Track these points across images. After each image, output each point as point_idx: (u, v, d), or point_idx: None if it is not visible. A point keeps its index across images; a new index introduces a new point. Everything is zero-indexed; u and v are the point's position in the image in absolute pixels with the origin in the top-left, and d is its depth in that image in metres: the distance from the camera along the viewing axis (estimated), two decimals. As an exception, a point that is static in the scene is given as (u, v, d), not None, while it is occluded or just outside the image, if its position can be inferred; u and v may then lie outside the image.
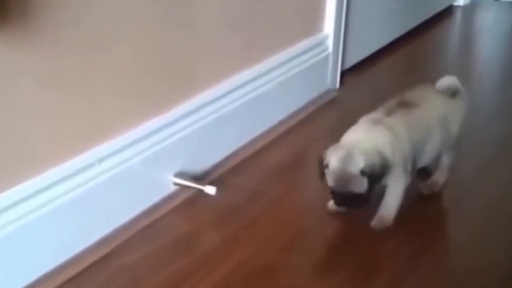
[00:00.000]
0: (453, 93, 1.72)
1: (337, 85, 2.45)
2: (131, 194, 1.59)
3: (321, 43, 2.33)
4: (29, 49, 1.28)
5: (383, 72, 2.67)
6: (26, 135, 1.33)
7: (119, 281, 1.43)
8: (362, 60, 2.67)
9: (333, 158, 1.54)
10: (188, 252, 1.52)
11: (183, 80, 1.72)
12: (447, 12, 3.42)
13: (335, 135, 1.61)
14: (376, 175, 1.52)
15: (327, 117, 2.21)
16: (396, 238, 1.59)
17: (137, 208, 1.62)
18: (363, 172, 1.51)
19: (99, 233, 1.52)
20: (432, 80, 1.77)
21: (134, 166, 1.58)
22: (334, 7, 2.34)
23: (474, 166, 1.93)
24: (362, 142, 1.55)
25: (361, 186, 1.52)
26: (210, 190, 1.68)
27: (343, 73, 2.51)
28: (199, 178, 1.77)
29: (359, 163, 1.51)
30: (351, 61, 2.59)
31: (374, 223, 1.61)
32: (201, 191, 1.69)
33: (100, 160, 1.50)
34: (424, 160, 1.68)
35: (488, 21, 3.46)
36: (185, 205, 1.70)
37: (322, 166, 1.56)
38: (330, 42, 2.37)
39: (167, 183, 1.69)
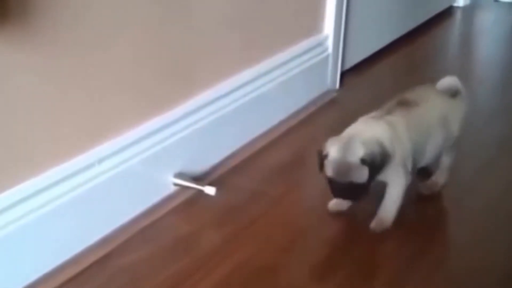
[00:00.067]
0: (453, 93, 1.72)
1: (337, 85, 2.45)
2: (131, 194, 1.59)
3: (321, 43, 2.34)
4: (29, 49, 1.28)
5: (383, 72, 2.67)
6: (26, 135, 1.33)
7: (119, 281, 1.43)
8: (362, 61, 2.67)
9: (333, 148, 1.53)
10: (188, 252, 1.52)
11: (183, 80, 1.73)
12: (447, 13, 3.42)
13: (335, 135, 1.60)
14: (376, 164, 1.51)
15: (327, 117, 2.21)
16: (396, 238, 1.59)
17: (137, 208, 1.62)
18: (363, 161, 1.50)
19: (99, 233, 1.52)
20: (432, 81, 1.77)
21: (134, 166, 1.58)
22: (334, 8, 2.34)
23: (474, 166, 1.93)
24: (362, 133, 1.55)
25: (362, 175, 1.51)
26: (210, 190, 1.68)
27: (343, 74, 2.51)
28: (199, 178, 1.77)
29: (359, 152, 1.50)
30: (351, 61, 2.60)
31: (373, 225, 1.60)
32: (201, 191, 1.69)
33: (100, 160, 1.50)
34: (424, 160, 1.68)
35: (488, 22, 3.46)
36: (185, 206, 1.70)
37: (321, 157, 1.55)
38: (330, 43, 2.37)
39: (167, 183, 1.69)
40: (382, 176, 1.57)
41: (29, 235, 1.35)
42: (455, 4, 3.53)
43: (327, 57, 2.37)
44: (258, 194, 1.76)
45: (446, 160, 1.76)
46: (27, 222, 1.34)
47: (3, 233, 1.30)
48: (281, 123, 2.13)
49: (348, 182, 1.52)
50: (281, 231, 1.63)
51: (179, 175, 1.71)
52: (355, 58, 2.62)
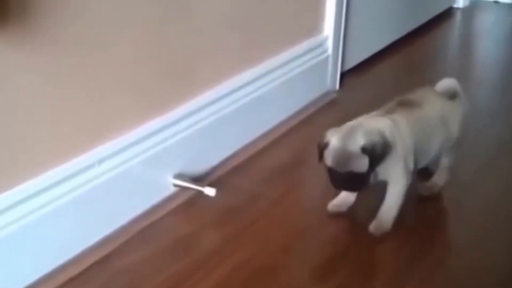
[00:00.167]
0: (452, 95, 1.72)
1: (337, 86, 2.46)
2: (131, 195, 1.59)
3: (321, 44, 2.34)
4: (29, 49, 1.28)
5: (383, 73, 2.67)
6: (26, 135, 1.33)
7: (120, 281, 1.43)
8: (362, 62, 2.68)
9: (334, 138, 1.53)
10: (188, 253, 1.52)
11: (183, 81, 1.73)
12: (447, 14, 3.42)
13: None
14: (377, 154, 1.51)
15: (327, 118, 2.21)
16: (396, 238, 1.59)
17: (137, 209, 1.62)
18: (364, 150, 1.50)
19: (99, 233, 1.52)
20: (432, 82, 1.77)
21: (134, 167, 1.58)
22: (334, 9, 2.34)
23: (474, 166, 1.93)
24: (364, 124, 1.55)
25: (362, 165, 1.51)
26: (210, 191, 1.68)
27: (343, 74, 2.51)
28: (199, 179, 1.77)
29: (360, 141, 1.50)
30: (351, 62, 2.60)
31: (373, 228, 1.60)
32: (201, 192, 1.69)
33: (100, 161, 1.50)
34: (425, 160, 1.67)
35: (487, 23, 3.46)
36: (185, 206, 1.70)
37: (321, 147, 1.55)
38: (330, 44, 2.38)
39: (167, 184, 1.69)
40: (383, 175, 1.57)
41: (29, 235, 1.35)
42: (455, 5, 3.54)
43: (327, 57, 2.37)
44: (258, 195, 1.77)
45: (445, 161, 1.76)
46: (28, 223, 1.34)
47: (4, 234, 1.30)
48: (281, 123, 2.13)
49: (348, 172, 1.52)
50: (281, 231, 1.63)
51: (179, 176, 1.71)
52: (355, 59, 2.62)
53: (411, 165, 1.60)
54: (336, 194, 1.68)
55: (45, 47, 1.32)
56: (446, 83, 1.74)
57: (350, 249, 1.57)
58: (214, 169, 1.85)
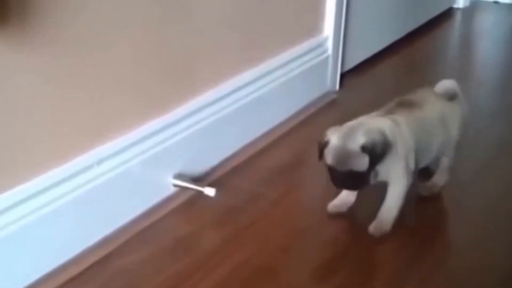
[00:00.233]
0: (451, 96, 1.72)
1: (337, 86, 2.46)
2: (131, 195, 1.59)
3: (321, 45, 2.34)
4: (29, 49, 1.28)
5: (383, 73, 2.67)
6: (26, 135, 1.33)
7: (120, 282, 1.43)
8: (362, 62, 2.68)
9: (334, 136, 1.53)
10: (188, 253, 1.52)
11: (183, 81, 1.73)
12: (447, 14, 3.42)
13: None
14: (377, 153, 1.51)
15: (327, 118, 2.21)
16: (396, 238, 1.59)
17: (137, 209, 1.62)
18: (364, 148, 1.50)
19: (99, 233, 1.52)
20: (432, 82, 1.77)
21: (134, 167, 1.58)
22: (333, 9, 2.34)
23: (474, 167, 1.93)
24: (365, 123, 1.55)
25: (362, 163, 1.51)
26: (210, 191, 1.68)
27: (343, 75, 2.51)
28: (199, 179, 1.77)
29: (360, 140, 1.50)
30: (351, 62, 2.60)
31: (372, 229, 1.60)
32: (201, 192, 1.69)
33: (100, 162, 1.50)
34: (425, 160, 1.67)
35: (487, 23, 3.46)
36: (185, 206, 1.70)
37: (321, 146, 1.55)
38: (330, 44, 2.38)
39: (167, 184, 1.69)
40: (383, 175, 1.57)
41: (29, 235, 1.35)
42: (455, 6, 3.54)
43: (327, 58, 2.37)
44: (258, 195, 1.77)
45: (445, 162, 1.76)
46: (28, 223, 1.34)
47: (4, 234, 1.30)
48: (281, 124, 2.13)
49: (348, 171, 1.52)
50: (281, 231, 1.63)
51: (179, 176, 1.71)
52: (355, 59, 2.62)
53: (412, 165, 1.60)
54: (336, 195, 1.68)
55: (45, 47, 1.32)
56: (446, 84, 1.74)
57: (350, 249, 1.57)
58: (214, 169, 1.85)
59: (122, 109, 1.55)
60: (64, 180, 1.42)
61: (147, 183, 1.63)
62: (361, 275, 1.49)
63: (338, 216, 1.67)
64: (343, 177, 1.54)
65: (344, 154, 1.52)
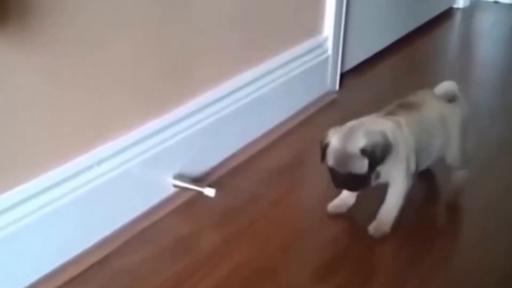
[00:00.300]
0: (451, 98, 1.71)
1: (337, 86, 2.45)
2: (131, 196, 1.59)
3: (320, 45, 2.34)
4: (29, 49, 1.28)
5: (382, 73, 2.67)
6: (26, 135, 1.33)
7: (120, 282, 1.43)
8: (361, 62, 2.67)
9: (334, 138, 1.53)
10: (188, 253, 1.52)
11: (183, 81, 1.73)
12: (447, 14, 3.42)
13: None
14: (377, 156, 1.51)
15: (327, 118, 2.21)
16: (396, 238, 1.59)
17: (137, 210, 1.62)
18: (363, 152, 1.50)
19: (99, 234, 1.52)
20: (432, 82, 1.77)
21: (133, 167, 1.58)
22: (333, 9, 2.34)
23: (474, 167, 1.92)
24: (365, 124, 1.55)
25: (361, 166, 1.51)
26: (210, 192, 1.68)
27: (343, 75, 2.51)
28: (199, 180, 1.77)
29: (360, 143, 1.50)
30: (351, 63, 2.60)
31: (372, 229, 1.60)
32: (201, 193, 1.69)
33: (100, 162, 1.50)
34: (426, 162, 1.67)
35: (487, 23, 3.46)
36: (184, 207, 1.70)
37: (323, 146, 1.55)
38: (329, 44, 2.37)
39: (167, 184, 1.69)
40: (385, 176, 1.57)
41: (29, 235, 1.35)
42: (455, 6, 3.53)
43: (326, 58, 2.37)
44: (258, 195, 1.76)
45: (452, 163, 1.74)
46: (28, 223, 1.34)
47: (4, 234, 1.30)
48: (281, 124, 2.13)
49: (348, 173, 1.52)
50: (281, 232, 1.63)
51: (179, 177, 1.71)
52: (354, 59, 2.62)
53: (412, 167, 1.60)
54: (337, 195, 1.68)
55: (45, 47, 1.32)
56: (446, 85, 1.73)
57: (350, 249, 1.57)
58: (214, 169, 1.85)
59: (122, 109, 1.55)
60: (64, 180, 1.42)
61: (147, 183, 1.63)
62: (361, 275, 1.49)
63: (338, 216, 1.67)
64: (343, 179, 1.54)
65: (344, 157, 1.52)
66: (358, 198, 1.67)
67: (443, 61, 2.93)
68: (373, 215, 1.61)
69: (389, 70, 2.71)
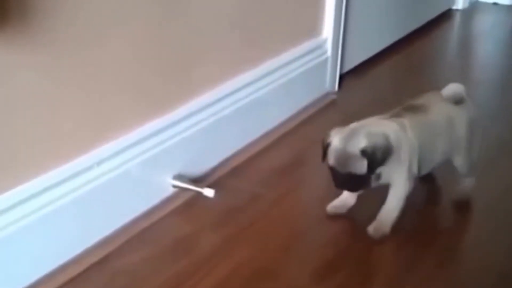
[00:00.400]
0: (458, 100, 1.70)
1: (336, 87, 2.46)
2: (131, 196, 1.59)
3: (320, 46, 2.34)
4: (29, 49, 1.28)
5: (382, 74, 2.67)
6: (26, 135, 1.33)
7: (120, 282, 1.43)
8: (361, 63, 2.68)
9: (336, 138, 1.53)
10: (187, 254, 1.52)
11: (183, 81, 1.73)
12: (446, 15, 3.42)
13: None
14: (377, 157, 1.50)
15: (327, 119, 2.21)
16: (396, 239, 1.59)
17: (137, 210, 1.62)
18: (363, 153, 1.50)
19: (99, 234, 1.52)
20: (431, 83, 1.77)
21: (133, 168, 1.58)
22: (333, 10, 2.34)
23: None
24: (369, 125, 1.55)
25: (361, 167, 1.51)
26: (209, 192, 1.68)
27: (342, 76, 2.51)
28: (198, 180, 1.77)
29: (360, 143, 1.50)
30: (350, 63, 2.60)
31: (372, 230, 1.60)
32: (200, 193, 1.69)
33: (99, 162, 1.50)
34: (430, 165, 1.66)
35: (487, 24, 3.47)
36: (184, 207, 1.70)
37: (325, 146, 1.55)
38: (329, 45, 2.38)
39: (166, 185, 1.69)
40: (386, 177, 1.57)
41: (29, 235, 1.35)
42: (454, 7, 3.54)
43: (326, 59, 2.37)
44: (257, 196, 1.76)
45: (460, 166, 1.73)
46: (28, 223, 1.34)
47: (4, 234, 1.30)
48: (281, 124, 2.13)
49: (348, 173, 1.52)
50: (281, 232, 1.63)
51: (178, 177, 1.70)
52: (354, 60, 2.62)
53: (415, 170, 1.59)
54: (337, 196, 1.68)
55: (45, 47, 1.32)
56: (453, 88, 1.72)
57: (350, 249, 1.56)
58: (214, 170, 1.85)
59: (122, 109, 1.55)
60: (64, 180, 1.42)
61: (147, 183, 1.63)
62: (361, 275, 1.49)
63: (338, 216, 1.67)
64: (343, 178, 1.54)
65: (344, 157, 1.52)
66: (359, 199, 1.67)
67: (442, 62, 2.93)
68: (373, 216, 1.61)
69: (388, 71, 2.71)
